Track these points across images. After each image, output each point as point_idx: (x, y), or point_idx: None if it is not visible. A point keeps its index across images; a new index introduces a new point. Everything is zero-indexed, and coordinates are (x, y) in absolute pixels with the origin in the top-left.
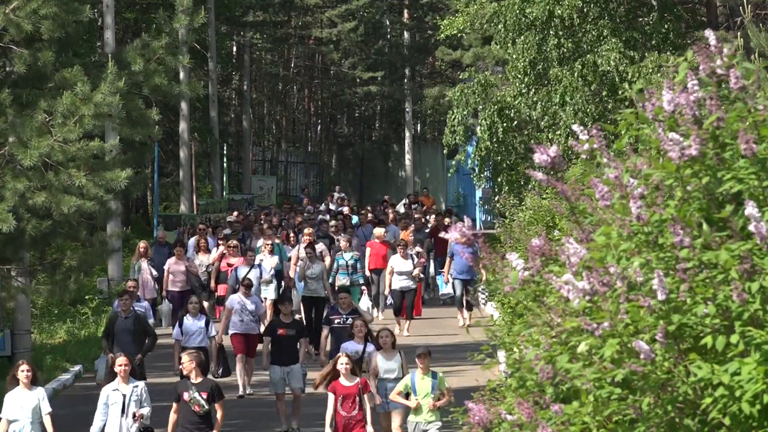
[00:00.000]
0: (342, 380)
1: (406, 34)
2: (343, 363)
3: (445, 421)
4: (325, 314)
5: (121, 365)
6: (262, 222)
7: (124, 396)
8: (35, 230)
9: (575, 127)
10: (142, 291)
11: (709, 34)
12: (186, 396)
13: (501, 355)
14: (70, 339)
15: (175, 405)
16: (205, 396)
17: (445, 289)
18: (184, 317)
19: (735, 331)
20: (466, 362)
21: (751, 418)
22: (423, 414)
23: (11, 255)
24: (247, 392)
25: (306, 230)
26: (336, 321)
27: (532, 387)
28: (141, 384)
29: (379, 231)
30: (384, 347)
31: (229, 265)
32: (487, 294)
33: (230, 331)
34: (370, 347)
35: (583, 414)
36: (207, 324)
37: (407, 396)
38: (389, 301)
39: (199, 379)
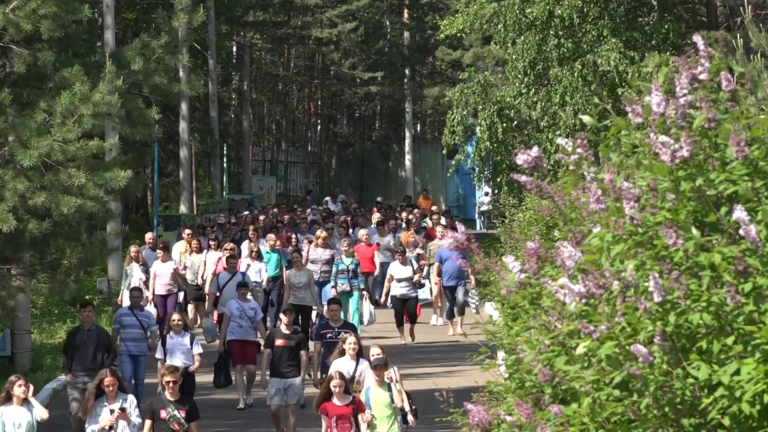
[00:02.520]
0: (335, 400)
1: (406, 34)
2: (335, 385)
3: (445, 421)
4: (315, 328)
5: (108, 385)
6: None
7: (112, 412)
8: (35, 230)
9: (560, 140)
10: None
11: (697, 39)
12: (164, 414)
13: (500, 356)
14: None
15: (148, 423)
16: (183, 414)
17: (422, 294)
18: (167, 335)
19: (732, 333)
20: (466, 362)
21: (751, 419)
22: (378, 428)
23: (11, 255)
24: (248, 402)
25: (320, 232)
26: (328, 335)
27: (530, 388)
28: (130, 398)
29: (362, 233)
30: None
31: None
32: (477, 301)
33: (228, 338)
34: (362, 364)
35: (581, 415)
36: (191, 341)
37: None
38: (389, 304)
39: (177, 396)
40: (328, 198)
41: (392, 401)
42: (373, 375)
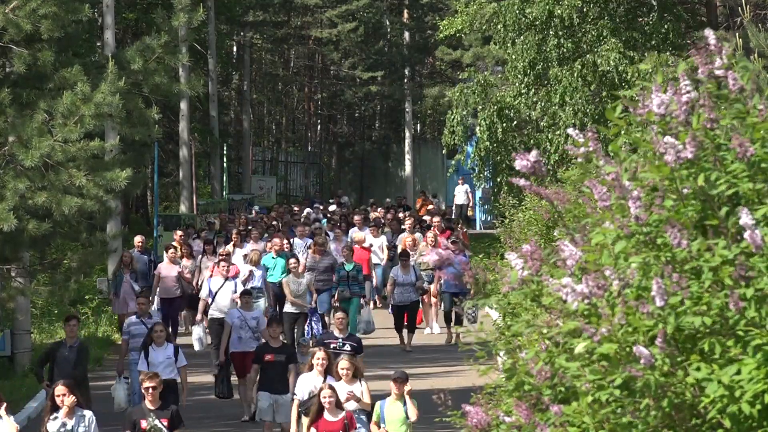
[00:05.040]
0: (326, 415)
1: (406, 34)
2: (326, 396)
3: (445, 421)
4: (318, 337)
5: (59, 395)
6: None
7: (69, 430)
8: (35, 230)
9: (570, 131)
10: (124, 305)
11: (709, 34)
12: (144, 424)
13: (500, 356)
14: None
15: None
16: (165, 423)
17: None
18: (150, 347)
19: (733, 335)
20: (465, 363)
21: (750, 419)
22: None
23: (11, 255)
24: (251, 415)
25: (317, 239)
26: (332, 345)
27: (529, 389)
28: (88, 414)
29: (359, 236)
30: (344, 379)
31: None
32: (476, 310)
33: (230, 350)
34: (330, 381)
35: (581, 414)
36: (176, 353)
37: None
38: (390, 311)
39: (157, 405)
40: (333, 205)
41: (407, 416)
42: (392, 388)
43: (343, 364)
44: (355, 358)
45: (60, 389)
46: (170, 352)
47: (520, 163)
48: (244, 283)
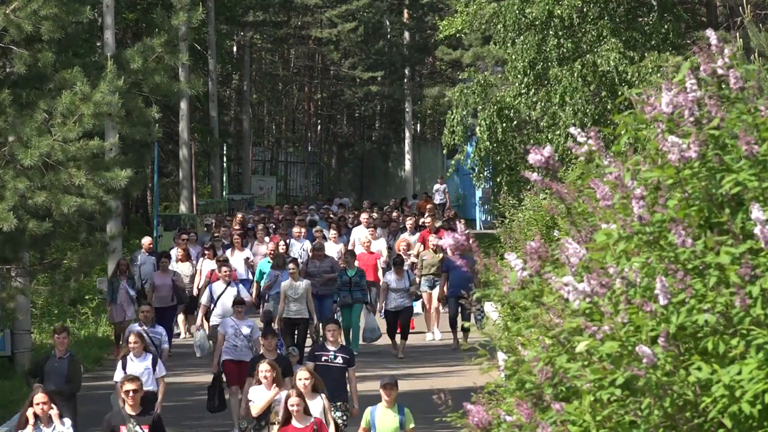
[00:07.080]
0: (294, 422)
1: (406, 34)
2: (293, 404)
3: (445, 421)
4: (310, 350)
5: (38, 404)
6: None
7: None
8: (35, 230)
9: (572, 130)
10: (121, 313)
11: (710, 34)
12: (124, 430)
13: (500, 357)
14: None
15: None
16: (146, 429)
17: (415, 308)
18: (127, 357)
19: (737, 334)
20: (465, 362)
21: (751, 419)
22: None
23: (11, 255)
24: (242, 426)
25: (315, 243)
26: (323, 358)
27: (531, 389)
28: (67, 423)
29: (362, 239)
30: (303, 390)
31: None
32: (482, 315)
33: (223, 358)
34: (281, 394)
35: (583, 413)
36: (154, 363)
37: None
38: (382, 315)
39: (138, 411)
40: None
41: (401, 426)
42: (381, 394)
43: (302, 374)
44: (315, 371)
45: (39, 398)
46: (148, 363)
47: (533, 158)
48: (269, 287)
